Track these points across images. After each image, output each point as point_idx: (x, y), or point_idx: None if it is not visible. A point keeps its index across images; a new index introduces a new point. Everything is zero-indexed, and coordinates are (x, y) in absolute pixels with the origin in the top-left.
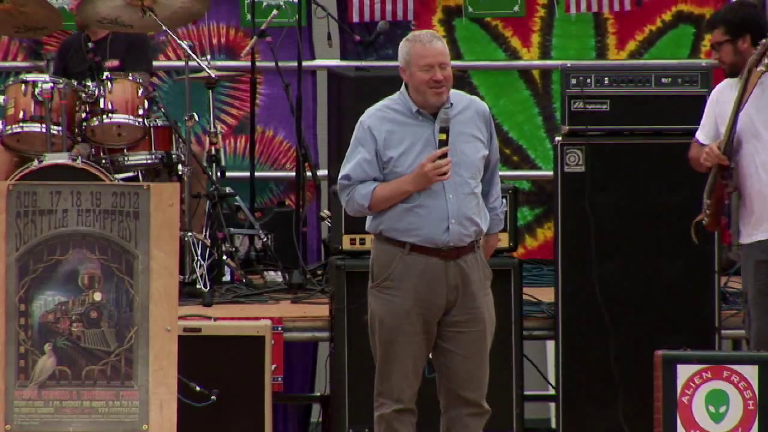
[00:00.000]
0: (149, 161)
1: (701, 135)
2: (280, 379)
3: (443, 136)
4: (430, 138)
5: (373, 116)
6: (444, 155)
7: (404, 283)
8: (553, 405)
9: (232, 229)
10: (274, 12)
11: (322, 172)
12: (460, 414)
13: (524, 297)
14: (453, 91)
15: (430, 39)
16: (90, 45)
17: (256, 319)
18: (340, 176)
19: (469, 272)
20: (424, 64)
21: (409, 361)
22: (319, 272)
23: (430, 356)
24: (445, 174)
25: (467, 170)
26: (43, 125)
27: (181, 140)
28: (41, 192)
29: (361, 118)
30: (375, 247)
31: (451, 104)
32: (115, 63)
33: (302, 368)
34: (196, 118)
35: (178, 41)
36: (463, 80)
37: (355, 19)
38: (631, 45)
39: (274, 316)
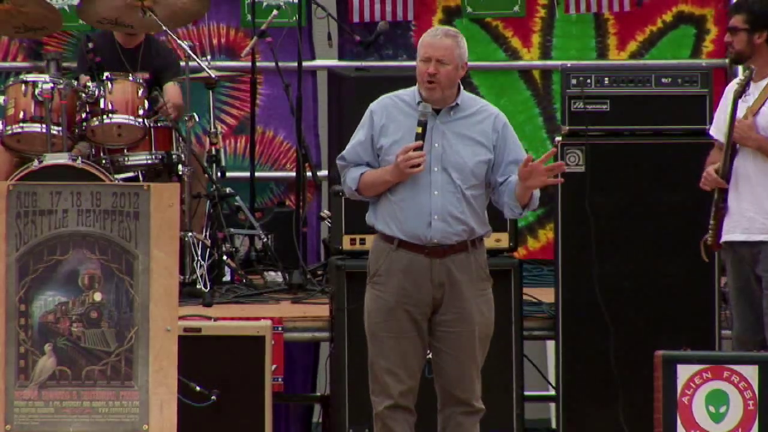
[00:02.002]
0: (149, 161)
1: (713, 129)
2: (280, 379)
3: (419, 130)
4: (427, 132)
5: (379, 102)
6: (419, 148)
7: (390, 278)
8: (553, 405)
9: (232, 230)
10: (274, 12)
11: (323, 173)
12: (454, 413)
13: (524, 297)
14: (468, 95)
15: (438, 34)
16: (90, 45)
17: (257, 319)
18: (338, 156)
19: (457, 272)
20: (423, 56)
21: (395, 357)
22: (319, 272)
23: (430, 355)
24: (417, 166)
25: (458, 171)
26: (44, 125)
27: (181, 140)
28: (41, 192)
29: (371, 103)
30: (372, 242)
31: (458, 104)
32: (145, 76)
33: (304, 368)
34: (197, 119)
35: (179, 41)
36: (463, 80)
37: (356, 19)
38: (632, 45)
39: (274, 316)
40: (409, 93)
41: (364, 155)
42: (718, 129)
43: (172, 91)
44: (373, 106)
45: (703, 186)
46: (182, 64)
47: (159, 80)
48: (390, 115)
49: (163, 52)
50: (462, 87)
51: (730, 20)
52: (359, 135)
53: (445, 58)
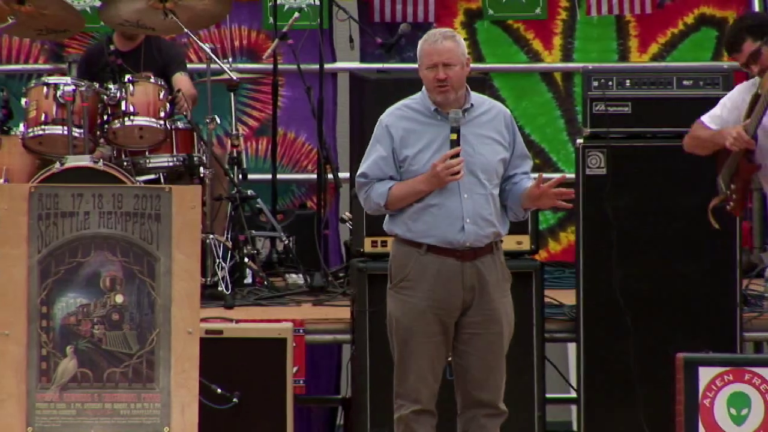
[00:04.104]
0: (171, 163)
1: (709, 120)
2: (302, 381)
3: (454, 136)
4: (447, 137)
5: (391, 115)
6: (456, 155)
7: (420, 283)
8: (574, 408)
9: (253, 232)
10: (296, 14)
11: (343, 175)
12: (477, 415)
13: (546, 299)
14: (475, 94)
15: (437, 38)
16: (111, 47)
17: (278, 321)
18: (357, 174)
19: (486, 274)
20: (429, 63)
21: (425, 362)
22: (340, 274)
23: (450, 358)
24: (457, 174)
25: (484, 172)
26: (65, 128)
27: (202, 142)
28: (63, 194)
29: (380, 117)
30: (393, 248)
31: (472, 105)
32: (148, 75)
33: (327, 370)
34: (218, 121)
35: (200, 44)
36: (484, 83)
37: (377, 19)
38: (653, 48)
39: (295, 318)
40: (417, 101)
41: (387, 169)
42: (714, 123)
43: (181, 81)
44: (385, 119)
45: (731, 146)
46: (204, 65)
47: (165, 75)
48: (406, 126)
49: (164, 47)
50: (468, 87)
51: (741, 50)
52: (379, 150)
53: (450, 60)
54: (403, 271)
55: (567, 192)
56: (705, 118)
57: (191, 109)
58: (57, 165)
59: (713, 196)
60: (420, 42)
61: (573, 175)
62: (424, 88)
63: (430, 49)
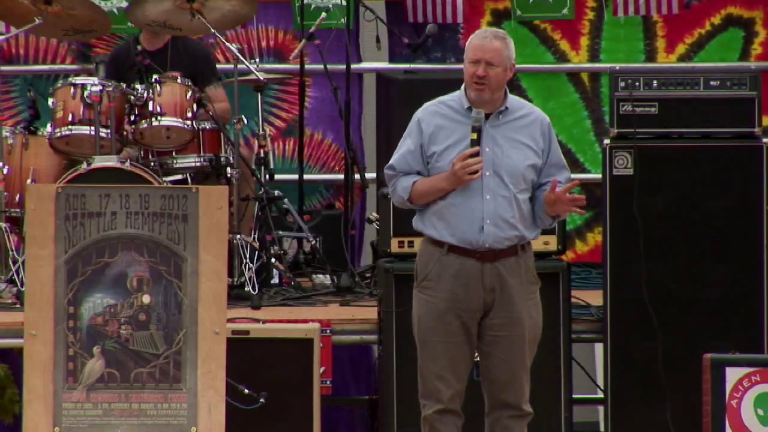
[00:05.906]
0: (198, 164)
1: None
2: (328, 382)
3: (474, 136)
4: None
5: (425, 110)
6: (475, 155)
7: (440, 283)
8: (601, 408)
9: (280, 232)
10: (323, 15)
11: (369, 175)
12: (501, 416)
13: (573, 300)
14: (514, 98)
15: (488, 35)
16: (138, 48)
17: (305, 321)
18: (386, 165)
19: (508, 276)
20: (472, 58)
21: (445, 362)
22: (367, 275)
23: (477, 358)
24: (475, 173)
25: (509, 175)
26: (92, 128)
27: (229, 143)
28: (90, 195)
29: (416, 111)
30: (420, 247)
31: (506, 108)
32: (175, 75)
33: (357, 371)
34: (245, 121)
35: (227, 44)
36: (511, 83)
37: (410, 19)
38: (681, 48)
39: (322, 319)
40: (455, 98)
41: (414, 164)
42: None
43: (214, 96)
44: (419, 114)
45: None
46: (231, 66)
47: (194, 80)
48: (438, 122)
49: (191, 49)
50: (508, 90)
51: None
52: (408, 144)
53: (494, 60)
54: (425, 270)
55: (579, 198)
56: None
57: (226, 124)
58: (84, 165)
59: (741, 198)
60: (471, 36)
61: (599, 176)
62: (463, 85)
63: (478, 45)
